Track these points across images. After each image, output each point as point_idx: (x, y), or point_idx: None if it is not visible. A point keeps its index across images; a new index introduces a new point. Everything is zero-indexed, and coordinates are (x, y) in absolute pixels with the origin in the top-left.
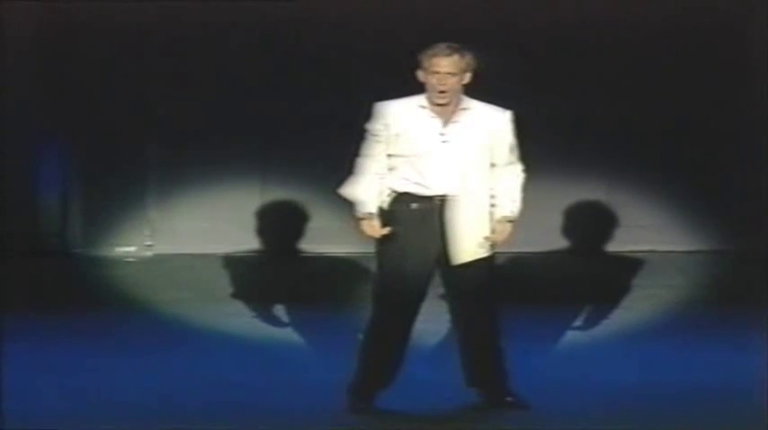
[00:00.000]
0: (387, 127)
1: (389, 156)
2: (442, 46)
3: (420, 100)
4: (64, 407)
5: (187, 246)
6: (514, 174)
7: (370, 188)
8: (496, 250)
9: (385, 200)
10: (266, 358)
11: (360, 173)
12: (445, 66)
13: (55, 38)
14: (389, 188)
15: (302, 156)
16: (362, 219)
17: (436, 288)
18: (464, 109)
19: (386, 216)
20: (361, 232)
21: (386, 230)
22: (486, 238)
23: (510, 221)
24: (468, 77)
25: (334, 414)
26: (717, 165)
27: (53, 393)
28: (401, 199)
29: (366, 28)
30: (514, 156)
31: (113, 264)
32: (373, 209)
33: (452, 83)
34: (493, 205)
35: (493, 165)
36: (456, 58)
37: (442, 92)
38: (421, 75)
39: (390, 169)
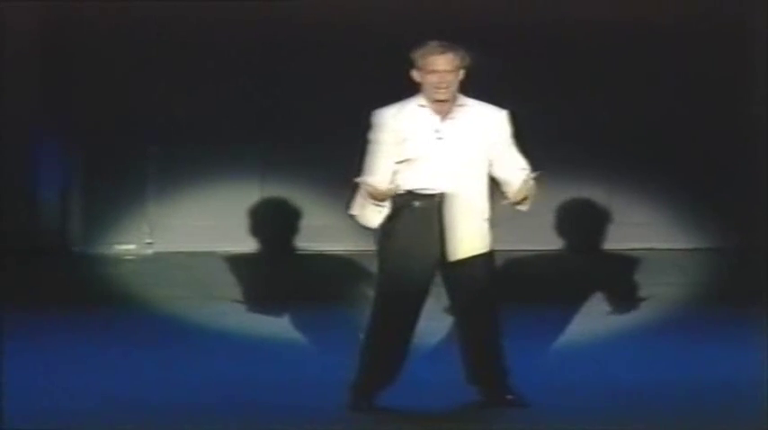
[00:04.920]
0: (395, 132)
1: (397, 162)
2: (435, 44)
3: (418, 100)
4: (63, 404)
5: (186, 244)
6: (516, 158)
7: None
8: (525, 205)
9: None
10: (266, 356)
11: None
12: (443, 64)
13: (55, 38)
14: None
15: (301, 154)
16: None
17: (437, 287)
18: (460, 106)
19: (389, 216)
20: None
21: (392, 186)
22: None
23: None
24: (462, 74)
25: (335, 412)
26: (716, 163)
27: (53, 391)
28: (403, 198)
29: (365, 27)
30: (513, 152)
31: (113, 262)
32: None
33: (451, 79)
34: (504, 192)
35: (492, 162)
36: (451, 55)
37: (443, 89)
38: (416, 74)
39: (395, 173)
